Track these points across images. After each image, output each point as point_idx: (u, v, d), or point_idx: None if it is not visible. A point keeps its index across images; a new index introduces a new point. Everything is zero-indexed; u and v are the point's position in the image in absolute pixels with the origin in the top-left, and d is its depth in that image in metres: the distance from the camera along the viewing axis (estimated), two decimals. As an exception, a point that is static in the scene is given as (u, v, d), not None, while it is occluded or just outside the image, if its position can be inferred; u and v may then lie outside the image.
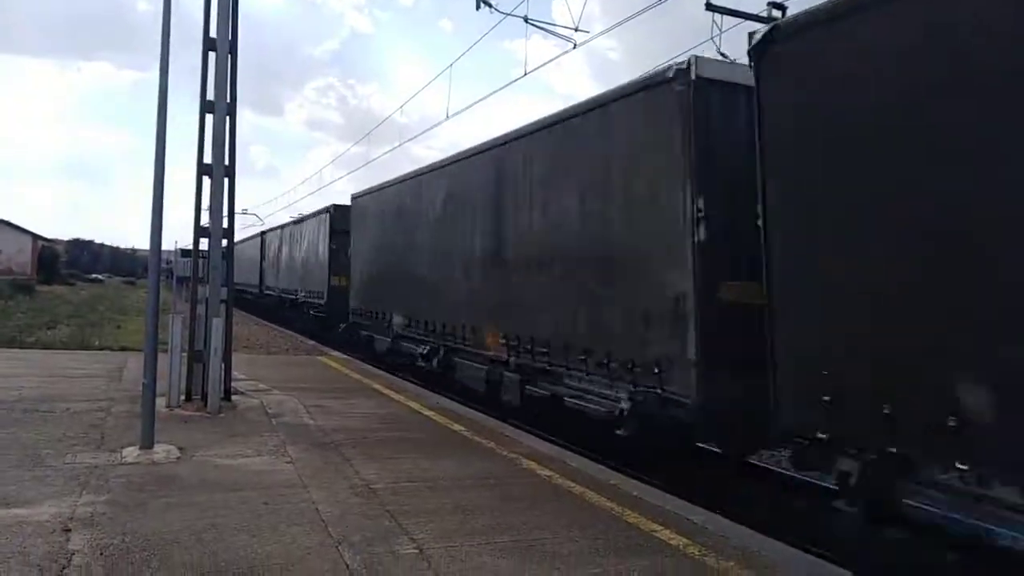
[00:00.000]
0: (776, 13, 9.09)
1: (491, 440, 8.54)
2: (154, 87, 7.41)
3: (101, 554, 4.46)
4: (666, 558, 4.92)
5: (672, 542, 5.22)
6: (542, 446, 8.47)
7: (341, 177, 56.37)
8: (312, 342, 22.18)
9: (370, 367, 15.86)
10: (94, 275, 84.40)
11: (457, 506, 5.84)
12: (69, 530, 4.83)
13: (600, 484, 6.75)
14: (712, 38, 9.35)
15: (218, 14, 9.65)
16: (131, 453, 6.95)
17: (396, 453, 7.67)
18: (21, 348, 15.86)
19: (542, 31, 12.94)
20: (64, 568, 4.22)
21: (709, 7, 9.63)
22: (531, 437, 9.11)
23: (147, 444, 7.08)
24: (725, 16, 9.81)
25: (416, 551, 4.79)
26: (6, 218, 74.23)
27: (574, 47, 12.57)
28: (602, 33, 12.28)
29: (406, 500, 5.94)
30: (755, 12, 9.66)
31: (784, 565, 4.90)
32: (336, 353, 18.82)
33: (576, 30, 12.25)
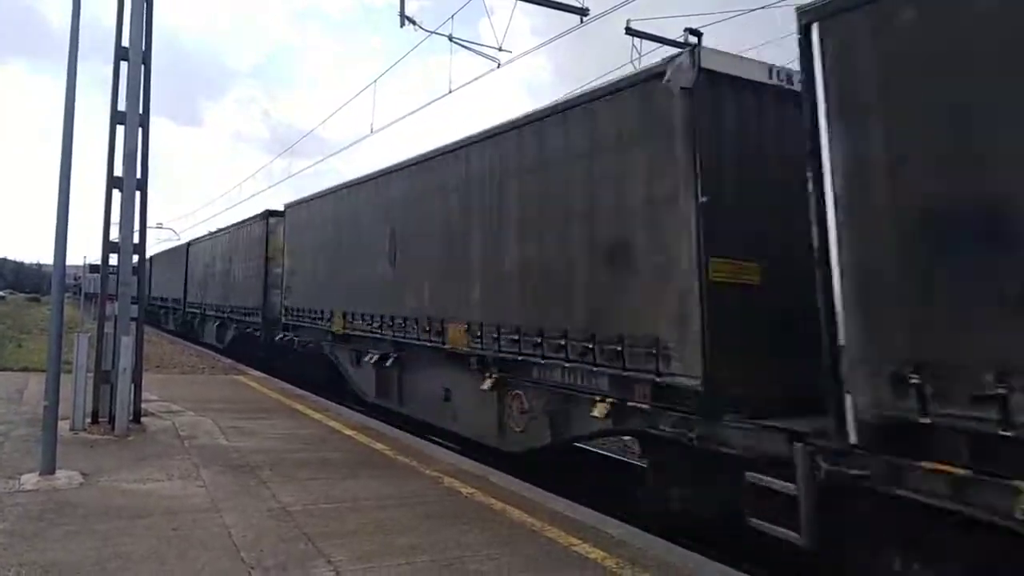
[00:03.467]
0: (692, 39, 9.45)
1: (413, 459, 8.47)
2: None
3: (-7, 588, 4.21)
4: (584, 571, 4.97)
5: (590, 556, 5.28)
6: (464, 463, 8.44)
7: (263, 191, 55.20)
8: (230, 360, 21.50)
9: (290, 387, 15.48)
10: (-6, 291, 79.73)
11: (377, 527, 5.76)
12: (-42, 563, 4.54)
13: (521, 500, 6.77)
14: (632, 61, 9.63)
15: (131, 23, 9.35)
16: (30, 479, 6.59)
17: (315, 474, 7.52)
18: (-91, 370, 14.84)
19: (468, 50, 13.02)
20: (-50, 604, 3.97)
21: (629, 31, 9.93)
22: (453, 455, 9.08)
23: (48, 469, 6.72)
24: (644, 40, 10.13)
25: (333, 573, 4.71)
26: None
27: (498, 66, 12.70)
28: (524, 54, 12.49)
29: (324, 522, 5.82)
30: (672, 37, 10.04)
31: (698, 575, 5.02)
32: (255, 372, 18.31)
33: (500, 49, 12.40)
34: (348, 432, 10.12)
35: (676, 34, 10.05)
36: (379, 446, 9.18)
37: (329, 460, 8.30)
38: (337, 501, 6.51)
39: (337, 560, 4.93)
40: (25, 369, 15.27)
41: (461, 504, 6.64)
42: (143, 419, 9.69)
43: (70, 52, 7.09)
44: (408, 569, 4.87)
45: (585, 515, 6.44)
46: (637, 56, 9.85)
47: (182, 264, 32.95)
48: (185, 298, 32.29)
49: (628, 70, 9.15)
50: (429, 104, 14.57)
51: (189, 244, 33.22)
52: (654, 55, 10.11)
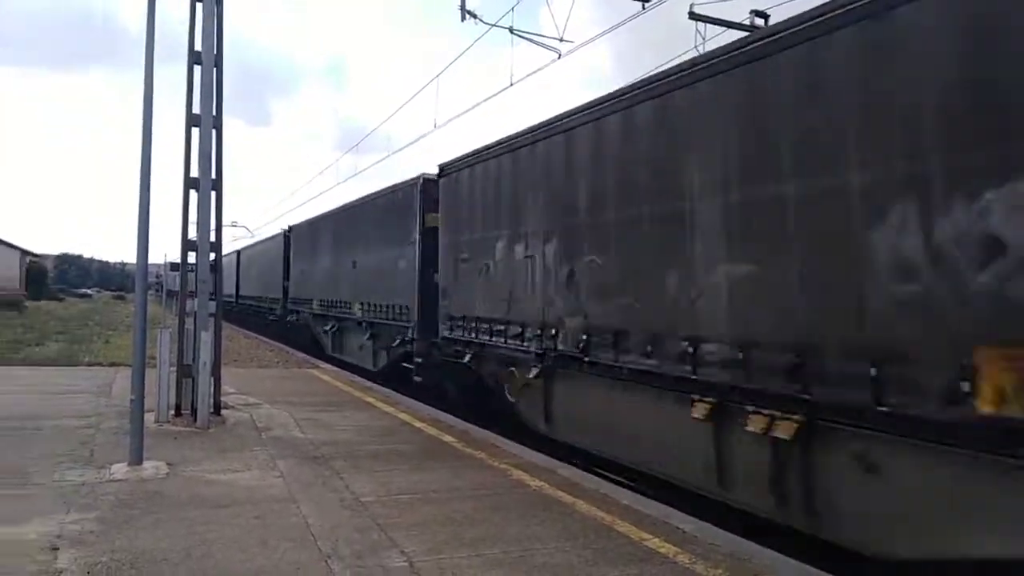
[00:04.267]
0: (759, 21, 9.19)
1: (482, 451, 8.54)
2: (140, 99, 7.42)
3: (88, 573, 4.44)
4: (656, 566, 4.93)
5: (662, 550, 5.23)
6: (532, 456, 8.47)
7: (330, 188, 56.40)
8: (303, 355, 22.09)
9: (360, 379, 15.81)
10: (83, 290, 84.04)
11: (448, 518, 5.84)
12: (57, 548, 4.81)
13: (590, 494, 6.75)
14: (696, 47, 9.43)
15: (203, 28, 9.67)
16: (120, 469, 6.92)
17: (387, 466, 7.66)
18: (9, 365, 15.76)
19: (529, 41, 13.00)
20: (51, 587, 4.20)
21: (692, 15, 9.73)
22: (521, 448, 9.11)
23: (136, 460, 7.05)
24: (709, 24, 9.90)
25: (406, 564, 4.79)
26: (-6, 234, 74.09)
27: (559, 57, 12.64)
28: (585, 44, 12.32)
29: (396, 512, 5.93)
30: (737, 20, 9.79)
31: (772, 571, 4.91)
32: (327, 366, 18.77)
33: (561, 40, 12.33)
34: (418, 424, 10.28)
35: (741, 17, 9.80)
36: (448, 438, 9.29)
37: (400, 452, 8.45)
38: (408, 492, 6.62)
39: (409, 550, 5.02)
40: (113, 364, 16.04)
41: (530, 497, 6.66)
42: (223, 411, 10.06)
43: (146, 59, 7.38)
44: (478, 561, 4.92)
45: (655, 509, 6.38)
46: (701, 41, 9.64)
47: (279, 257, 27.99)
48: (285, 297, 27.40)
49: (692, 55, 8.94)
50: (491, 98, 14.58)
51: (289, 230, 27.68)
52: (718, 40, 9.88)
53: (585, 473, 7.82)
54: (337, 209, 21.84)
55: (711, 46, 9.02)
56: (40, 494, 6.05)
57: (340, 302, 19.85)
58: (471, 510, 6.09)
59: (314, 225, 24.46)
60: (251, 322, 35.40)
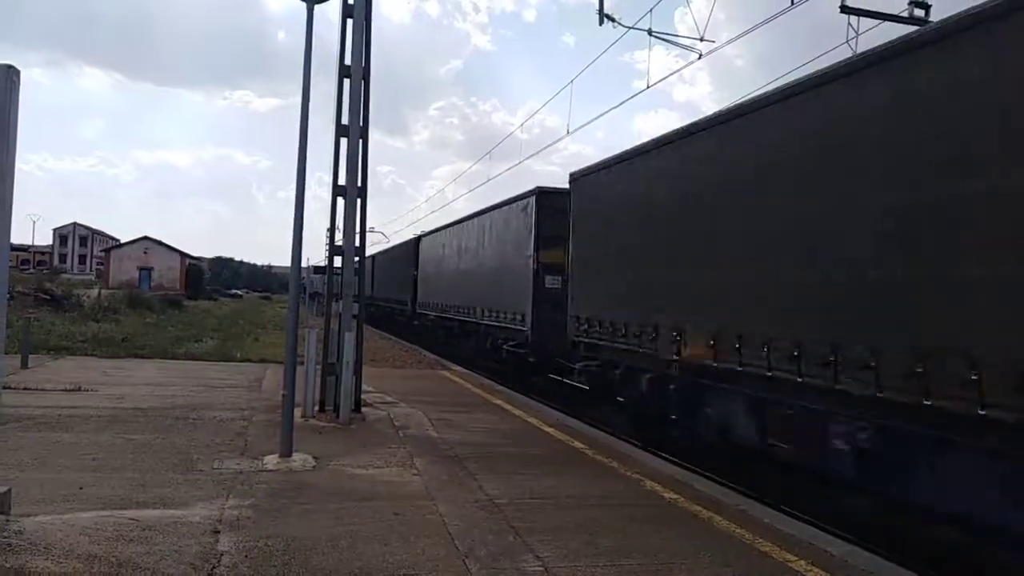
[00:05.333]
0: (918, 12, 8.59)
1: (612, 459, 8.44)
2: (289, 112, 7.88)
3: (247, 556, 4.73)
4: (803, 591, 4.67)
5: (809, 574, 4.95)
6: (665, 467, 8.28)
7: (463, 195, 57.90)
8: (435, 356, 22.74)
9: (490, 382, 16.05)
10: (234, 290, 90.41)
11: (580, 525, 5.79)
12: (218, 532, 5.15)
13: (728, 509, 6.51)
14: (847, 41, 8.90)
15: (352, 43, 10.15)
16: (271, 460, 7.35)
17: (518, 468, 7.72)
18: (173, 359, 17.20)
19: (668, 43, 12.79)
20: (214, 568, 4.50)
21: (844, 9, 9.20)
22: (653, 458, 8.93)
23: (286, 452, 7.46)
24: (862, 18, 9.33)
25: (541, 569, 4.79)
26: (160, 238, 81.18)
27: (699, 57, 12.33)
28: (729, 42, 11.88)
29: (530, 516, 5.95)
30: (894, 12, 9.17)
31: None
32: (457, 367, 19.20)
33: (701, 40, 12.03)
34: (547, 429, 10.30)
35: (899, 8, 9.16)
36: (578, 444, 9.25)
37: (531, 455, 8.49)
38: (540, 497, 6.63)
39: (544, 556, 5.01)
40: (262, 360, 17.13)
41: (665, 509, 6.50)
42: (363, 409, 10.50)
43: (304, 75, 7.81)
44: (614, 571, 4.84)
45: (798, 529, 6.06)
46: (854, 36, 9.08)
47: (409, 263, 29.52)
48: (415, 300, 28.76)
49: (844, 52, 8.46)
50: (626, 101, 14.51)
51: (418, 239, 29.57)
52: (873, 34, 9.28)
53: (721, 487, 7.55)
54: (459, 220, 23.15)
55: (865, 42, 8.50)
56: (203, 480, 6.51)
57: (462, 306, 21.17)
58: (605, 519, 6.01)
59: (439, 234, 26.27)
60: (383, 322, 37.83)
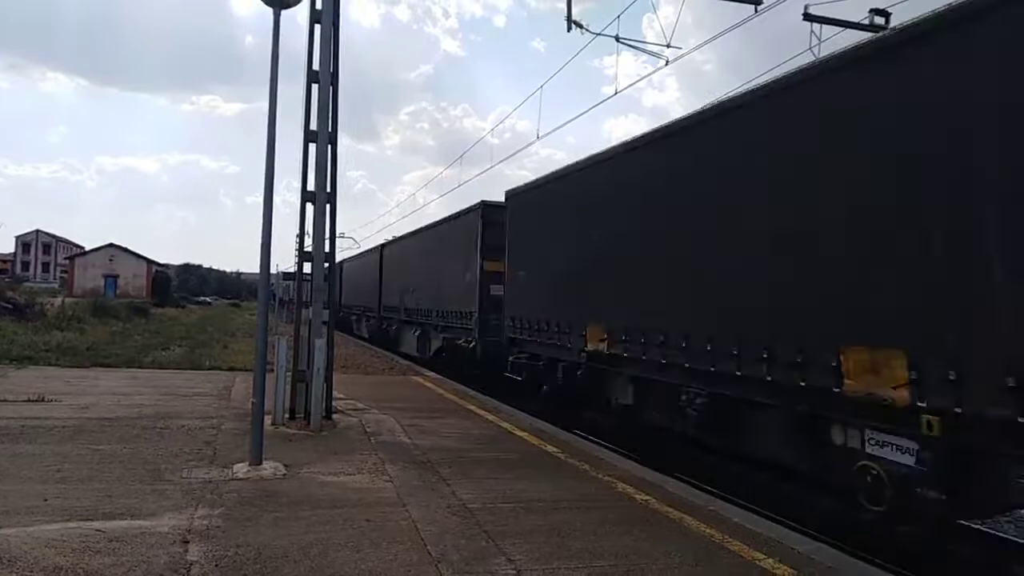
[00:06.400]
0: (879, 20, 8.79)
1: (585, 462, 8.49)
2: (256, 117, 7.83)
3: (216, 565, 4.68)
4: (771, 588, 4.75)
5: (776, 572, 5.04)
6: (638, 470, 8.35)
7: (434, 200, 57.80)
8: (407, 362, 22.66)
9: (463, 387, 16.05)
10: (202, 297, 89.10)
11: (553, 528, 5.83)
12: (187, 542, 5.10)
13: (699, 510, 6.59)
14: (811, 48, 9.09)
15: (320, 48, 10.11)
16: (241, 469, 7.28)
17: (491, 473, 7.73)
18: (140, 368, 16.91)
19: (635, 49, 12.93)
20: (184, 578, 4.45)
21: (807, 16, 9.39)
22: (626, 460, 9.00)
23: (256, 461, 7.39)
24: (824, 25, 9.53)
25: (514, 572, 4.81)
26: (126, 245, 79.93)
27: (666, 63, 12.49)
28: (694, 49, 12.04)
29: (502, 520, 5.97)
30: (855, 20, 9.38)
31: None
32: (430, 373, 19.16)
33: (668, 46, 12.19)
34: (520, 433, 10.33)
35: (860, 16, 9.37)
36: (550, 448, 9.29)
37: (503, 460, 8.51)
38: (513, 500, 6.66)
39: (517, 559, 5.04)
40: (232, 368, 16.93)
41: (636, 511, 6.56)
42: (333, 416, 10.43)
43: (271, 80, 7.76)
44: (586, 572, 4.89)
45: (768, 528, 6.16)
46: (816, 43, 9.27)
47: (375, 269, 30.73)
48: (380, 304, 30.60)
49: (807, 58, 8.65)
50: (595, 107, 14.56)
51: (383, 247, 30.98)
52: (835, 42, 9.49)
53: (694, 489, 7.64)
54: (419, 230, 25.19)
55: (827, 48, 8.69)
56: (171, 490, 6.43)
57: (420, 310, 23.41)
58: (577, 521, 6.05)
59: (401, 243, 28.16)
60: (351, 328, 38.92)
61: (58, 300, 36.86)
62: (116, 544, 4.94)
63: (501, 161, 64.74)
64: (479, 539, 5.46)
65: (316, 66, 10.12)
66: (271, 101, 7.69)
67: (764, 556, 5.35)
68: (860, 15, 9.29)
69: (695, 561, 5.18)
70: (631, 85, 13.36)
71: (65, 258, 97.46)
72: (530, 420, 11.70)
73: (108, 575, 4.40)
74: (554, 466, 8.33)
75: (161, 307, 53.60)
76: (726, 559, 5.29)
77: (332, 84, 10.14)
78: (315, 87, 10.09)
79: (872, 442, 6.50)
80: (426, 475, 7.48)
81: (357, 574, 4.67)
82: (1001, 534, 7.26)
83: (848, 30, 9.04)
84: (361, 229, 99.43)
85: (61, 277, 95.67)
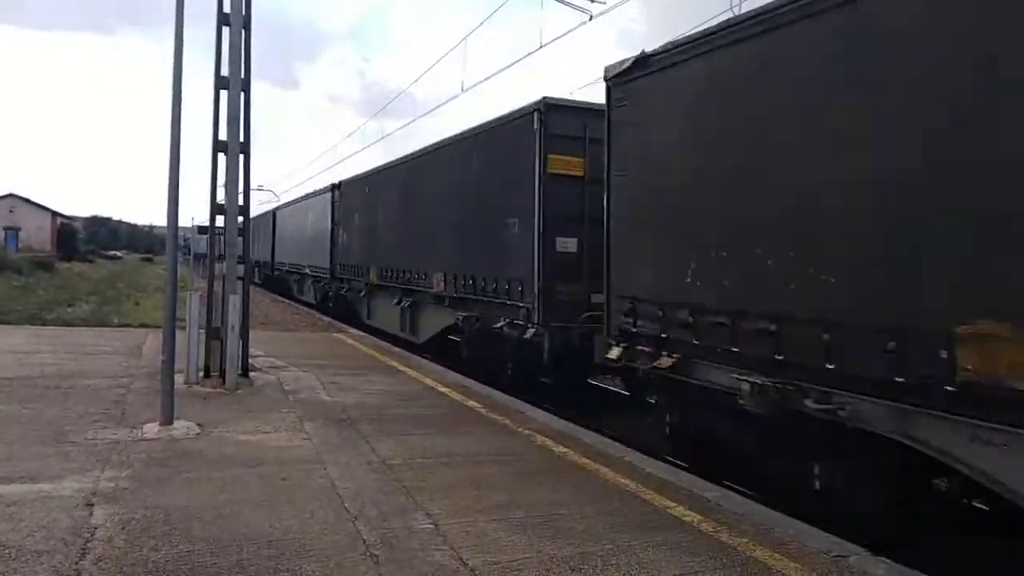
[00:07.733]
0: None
1: (506, 416, 8.59)
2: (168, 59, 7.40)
3: (123, 528, 4.54)
4: (680, 534, 4.94)
5: (686, 518, 5.24)
6: (556, 423, 8.50)
7: (358, 151, 56.22)
8: (328, 319, 22.33)
9: (387, 344, 15.95)
10: (112, 252, 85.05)
11: (472, 482, 5.89)
12: (92, 504, 4.92)
13: (614, 460, 6.77)
14: (732, 7, 9.16)
15: (231, -11, 9.60)
16: (151, 429, 7.05)
17: (412, 429, 7.74)
18: (43, 325, 16.08)
19: (560, 2, 12.75)
20: (87, 542, 4.30)
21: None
22: (545, 414, 9.14)
23: (167, 420, 7.17)
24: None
25: (432, 526, 4.84)
26: (26, 195, 75.28)
27: (590, 19, 12.40)
28: (619, 4, 12.05)
29: (421, 475, 5.99)
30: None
31: (799, 541, 4.90)
32: (354, 331, 18.94)
33: (593, 1, 12.09)
34: (442, 389, 10.35)
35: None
36: (472, 403, 9.35)
37: (424, 416, 8.52)
38: (433, 456, 6.68)
39: (435, 513, 5.07)
40: (144, 325, 16.29)
41: (554, 462, 6.69)
42: (250, 374, 10.20)
43: (176, 19, 7.33)
44: (503, 525, 4.96)
45: (679, 477, 6.39)
46: (737, 2, 9.35)
47: (325, 217, 25.09)
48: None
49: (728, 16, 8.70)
50: (519, 61, 14.37)
51: (336, 187, 24.42)
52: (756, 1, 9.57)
53: (610, 440, 7.84)
54: (406, 157, 17.65)
55: (748, 6, 8.78)
56: (75, 452, 6.18)
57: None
58: (496, 475, 6.14)
59: (373, 179, 20.47)
60: (292, 290, 32.61)
61: (-49, 254, 34.55)
62: (14, 509, 4.73)
63: (425, 115, 63.48)
64: (398, 495, 5.47)
65: (227, 8, 9.61)
66: (176, 42, 7.28)
67: (675, 503, 5.55)
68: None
69: (608, 510, 5.33)
70: (554, 40, 13.23)
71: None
72: (454, 376, 11.73)
73: (5, 541, 4.21)
74: (475, 421, 8.40)
75: (68, 262, 51.12)
76: (639, 507, 5.47)
77: (245, 27, 9.67)
78: (226, 30, 9.59)
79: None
80: (346, 432, 7.42)
81: (271, 532, 4.61)
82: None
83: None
84: (282, 180, 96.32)
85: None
